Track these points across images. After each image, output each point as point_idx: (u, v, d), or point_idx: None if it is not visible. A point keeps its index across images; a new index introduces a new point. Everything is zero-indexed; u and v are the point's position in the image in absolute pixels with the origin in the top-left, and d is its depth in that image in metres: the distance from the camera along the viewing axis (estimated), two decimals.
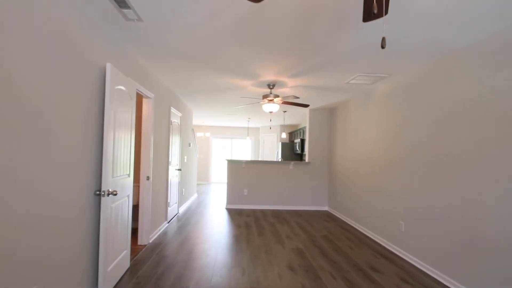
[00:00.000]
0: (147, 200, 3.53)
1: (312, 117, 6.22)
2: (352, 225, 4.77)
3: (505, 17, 2.01)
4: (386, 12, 1.48)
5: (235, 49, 2.78)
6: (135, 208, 4.05)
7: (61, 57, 1.74)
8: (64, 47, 1.77)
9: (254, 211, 5.78)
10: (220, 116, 8.02)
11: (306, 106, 4.33)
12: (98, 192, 2.20)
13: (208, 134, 10.21)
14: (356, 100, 4.82)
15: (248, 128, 10.73)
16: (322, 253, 3.39)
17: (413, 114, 3.25)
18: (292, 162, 6.13)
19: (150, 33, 2.47)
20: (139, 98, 4.31)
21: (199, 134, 9.92)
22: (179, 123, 5.27)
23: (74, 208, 1.93)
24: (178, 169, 5.19)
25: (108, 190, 2.21)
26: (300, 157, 8.43)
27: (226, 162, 6.18)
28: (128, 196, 2.71)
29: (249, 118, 8.32)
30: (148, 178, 3.54)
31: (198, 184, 10.12)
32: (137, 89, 3.08)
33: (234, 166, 6.13)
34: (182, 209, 5.62)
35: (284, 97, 3.97)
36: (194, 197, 7.18)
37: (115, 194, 2.24)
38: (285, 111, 6.86)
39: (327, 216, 5.46)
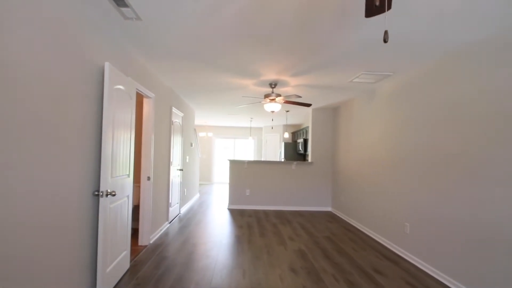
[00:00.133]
0: (148, 200, 3.50)
1: (315, 117, 6.16)
2: (356, 226, 4.70)
3: None
4: (390, 7, 1.43)
5: (235, 48, 2.74)
6: (136, 209, 4.03)
7: (59, 56, 1.72)
8: (62, 46, 1.75)
9: (256, 211, 5.74)
10: (222, 116, 7.99)
11: (308, 105, 4.27)
12: (96, 193, 2.18)
13: (210, 134, 10.20)
14: (360, 99, 4.75)
15: (250, 128, 10.69)
16: (324, 254, 3.33)
17: (418, 112, 3.18)
18: (295, 162, 6.08)
19: (150, 33, 2.44)
20: (140, 98, 4.30)
21: (201, 134, 9.91)
22: (180, 123, 5.25)
23: (73, 209, 1.91)
24: (180, 169, 5.17)
25: (107, 191, 2.18)
26: (303, 157, 8.36)
27: (228, 162, 6.14)
28: (128, 196, 2.69)
29: (251, 118, 8.28)
30: (148, 178, 3.52)
31: (200, 184, 10.11)
32: (137, 89, 3.06)
33: (236, 166, 6.09)
34: (184, 209, 5.59)
35: (286, 96, 3.92)
36: (196, 197, 7.16)
37: (114, 195, 2.21)
38: (287, 111, 6.81)
39: (330, 217, 5.39)
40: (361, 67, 3.24)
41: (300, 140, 8.02)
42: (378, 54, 2.81)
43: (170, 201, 4.51)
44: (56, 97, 1.71)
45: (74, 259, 1.94)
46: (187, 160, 6.02)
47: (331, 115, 6.13)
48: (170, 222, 4.55)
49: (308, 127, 7.38)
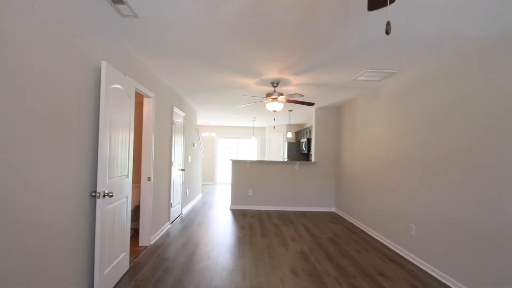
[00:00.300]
0: (148, 201, 3.47)
1: (318, 116, 6.08)
2: (360, 227, 4.62)
3: None
4: (393, 0, 1.36)
5: (235, 46, 2.69)
6: (137, 209, 4.01)
7: (54, 55, 1.68)
8: (59, 45, 1.71)
9: (259, 212, 5.69)
10: (225, 116, 7.95)
11: (311, 104, 4.20)
12: (93, 194, 2.15)
13: (213, 134, 10.16)
14: (364, 97, 4.66)
15: (253, 128, 10.64)
16: (327, 256, 3.27)
17: (424, 110, 3.09)
18: (298, 162, 6.01)
19: (148, 31, 2.40)
20: (140, 98, 4.27)
21: (204, 134, 9.87)
22: (182, 123, 5.22)
23: (69, 210, 1.87)
24: (182, 170, 5.14)
25: (104, 192, 2.15)
26: (306, 157, 8.28)
27: (230, 162, 6.10)
28: (127, 197, 2.66)
29: (254, 118, 8.23)
30: (149, 179, 3.49)
31: (203, 184, 10.08)
32: (136, 88, 3.02)
33: (239, 167, 6.04)
34: (185, 209, 5.56)
35: (288, 95, 3.86)
36: (198, 197, 7.13)
37: (111, 196, 2.18)
38: (290, 110, 6.74)
39: (334, 218, 5.31)
40: (365, 65, 3.16)
41: (304, 140, 7.94)
42: (383, 51, 2.73)
43: (171, 201, 4.48)
44: (52, 97, 1.68)
45: (70, 261, 1.90)
46: (189, 160, 5.99)
47: (335, 114, 6.04)
48: (171, 223, 4.52)
49: (311, 126, 7.30)
